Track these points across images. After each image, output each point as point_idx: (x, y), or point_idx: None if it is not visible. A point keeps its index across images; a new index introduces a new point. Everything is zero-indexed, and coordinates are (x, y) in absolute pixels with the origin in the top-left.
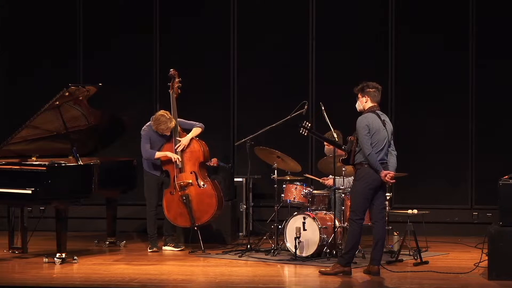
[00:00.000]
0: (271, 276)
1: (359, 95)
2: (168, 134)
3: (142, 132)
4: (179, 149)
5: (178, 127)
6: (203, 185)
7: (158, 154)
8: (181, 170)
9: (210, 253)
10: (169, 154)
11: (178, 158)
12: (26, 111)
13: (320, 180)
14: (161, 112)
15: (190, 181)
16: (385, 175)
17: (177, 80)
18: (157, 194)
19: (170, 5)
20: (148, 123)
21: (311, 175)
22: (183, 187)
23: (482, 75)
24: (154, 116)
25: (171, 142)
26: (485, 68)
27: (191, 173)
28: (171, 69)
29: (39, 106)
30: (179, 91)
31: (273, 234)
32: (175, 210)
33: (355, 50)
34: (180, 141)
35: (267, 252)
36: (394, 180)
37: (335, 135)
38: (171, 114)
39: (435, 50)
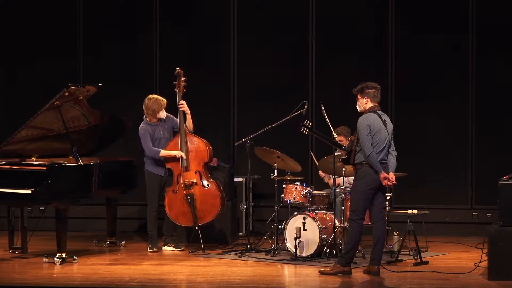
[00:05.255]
0: (271, 276)
1: (359, 96)
2: (164, 117)
3: (140, 132)
4: (181, 107)
5: (183, 123)
6: (208, 185)
7: (163, 153)
8: (186, 169)
9: (210, 253)
10: (173, 152)
11: (183, 155)
12: (26, 111)
13: (321, 174)
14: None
15: (195, 180)
16: (384, 178)
17: (182, 78)
18: (158, 194)
19: (170, 5)
20: (142, 122)
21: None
22: (188, 186)
23: (482, 75)
24: (143, 106)
25: (175, 140)
26: (485, 68)
27: (195, 172)
28: (177, 68)
29: (39, 106)
30: (185, 90)
31: (273, 234)
32: (178, 209)
33: (355, 50)
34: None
35: (267, 252)
36: (395, 182)
37: (335, 135)
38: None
39: (435, 50)
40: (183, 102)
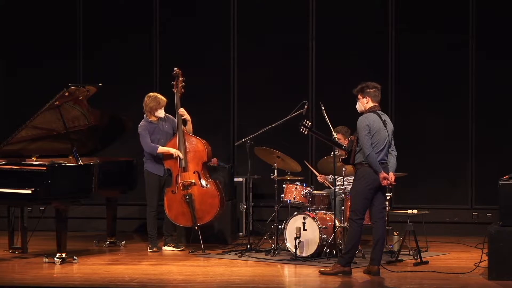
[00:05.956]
0: (271, 276)
1: (359, 96)
2: (162, 116)
3: (139, 129)
4: (180, 111)
5: (182, 124)
6: (206, 185)
7: (160, 149)
8: (184, 169)
9: (210, 253)
10: (172, 150)
11: (180, 154)
12: (26, 111)
13: (318, 177)
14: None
15: (193, 180)
16: (384, 178)
17: (181, 79)
18: (158, 194)
19: (170, 4)
20: (142, 120)
21: (312, 167)
22: (186, 187)
23: (482, 75)
24: (143, 103)
25: (174, 140)
26: (485, 68)
27: (194, 172)
28: (175, 68)
29: (39, 106)
30: (183, 90)
31: (273, 234)
32: (177, 209)
33: (355, 50)
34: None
35: (267, 252)
36: (394, 183)
37: (335, 135)
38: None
39: (435, 50)
40: (182, 110)
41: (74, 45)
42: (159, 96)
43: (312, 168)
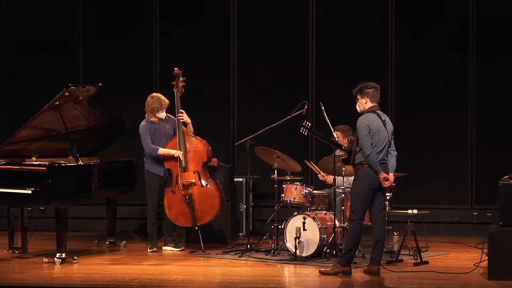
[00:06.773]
0: (271, 276)
1: (358, 97)
2: (163, 117)
3: (140, 129)
4: (181, 118)
5: (182, 124)
6: (206, 185)
7: (161, 151)
8: (184, 169)
9: (210, 253)
10: (172, 151)
11: (181, 154)
12: (26, 111)
13: (319, 175)
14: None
15: (193, 180)
16: (384, 179)
17: (181, 79)
18: (158, 194)
19: (170, 5)
20: (144, 120)
21: (312, 164)
22: (187, 187)
23: (482, 75)
24: (146, 103)
25: (174, 140)
26: (485, 68)
27: (194, 172)
28: (176, 68)
29: (39, 106)
30: (183, 90)
31: (273, 234)
32: (177, 209)
33: (355, 50)
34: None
35: (267, 252)
36: (394, 184)
37: (335, 135)
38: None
39: (435, 50)
40: (182, 112)
41: (74, 45)
42: (162, 97)
43: (314, 166)
